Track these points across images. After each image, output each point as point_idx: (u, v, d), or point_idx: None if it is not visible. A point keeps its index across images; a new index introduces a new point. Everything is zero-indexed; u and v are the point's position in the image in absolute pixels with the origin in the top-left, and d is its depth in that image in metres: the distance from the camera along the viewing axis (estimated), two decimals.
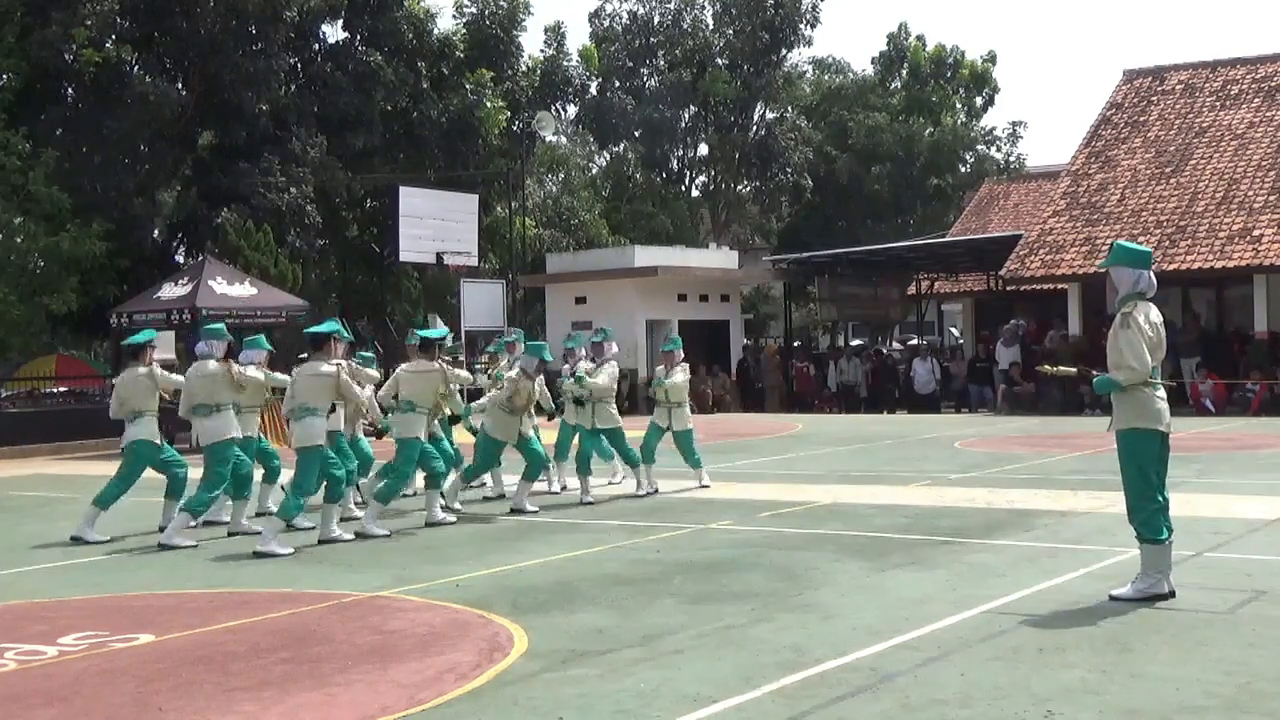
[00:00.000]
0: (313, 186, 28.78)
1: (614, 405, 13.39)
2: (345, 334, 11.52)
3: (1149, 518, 7.27)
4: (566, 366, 14.22)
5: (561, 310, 30.92)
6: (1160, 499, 7.32)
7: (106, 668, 6.58)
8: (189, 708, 5.76)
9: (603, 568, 8.98)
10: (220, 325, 12.02)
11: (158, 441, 11.62)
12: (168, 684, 6.19)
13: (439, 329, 14.20)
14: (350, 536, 10.76)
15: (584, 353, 13.85)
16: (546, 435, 13.60)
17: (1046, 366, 9.47)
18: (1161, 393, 7.41)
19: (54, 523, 12.54)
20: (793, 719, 5.32)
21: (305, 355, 11.20)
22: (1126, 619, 6.85)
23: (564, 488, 13.91)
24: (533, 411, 12.74)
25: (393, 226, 28.32)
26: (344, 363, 11.04)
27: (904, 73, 48.60)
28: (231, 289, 22.67)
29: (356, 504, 12.00)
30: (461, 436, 13.86)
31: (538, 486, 13.03)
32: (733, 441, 20.14)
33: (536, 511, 12.12)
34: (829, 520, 10.99)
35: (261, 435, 12.43)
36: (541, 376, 12.72)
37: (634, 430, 13.92)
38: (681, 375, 13.70)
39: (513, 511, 12.15)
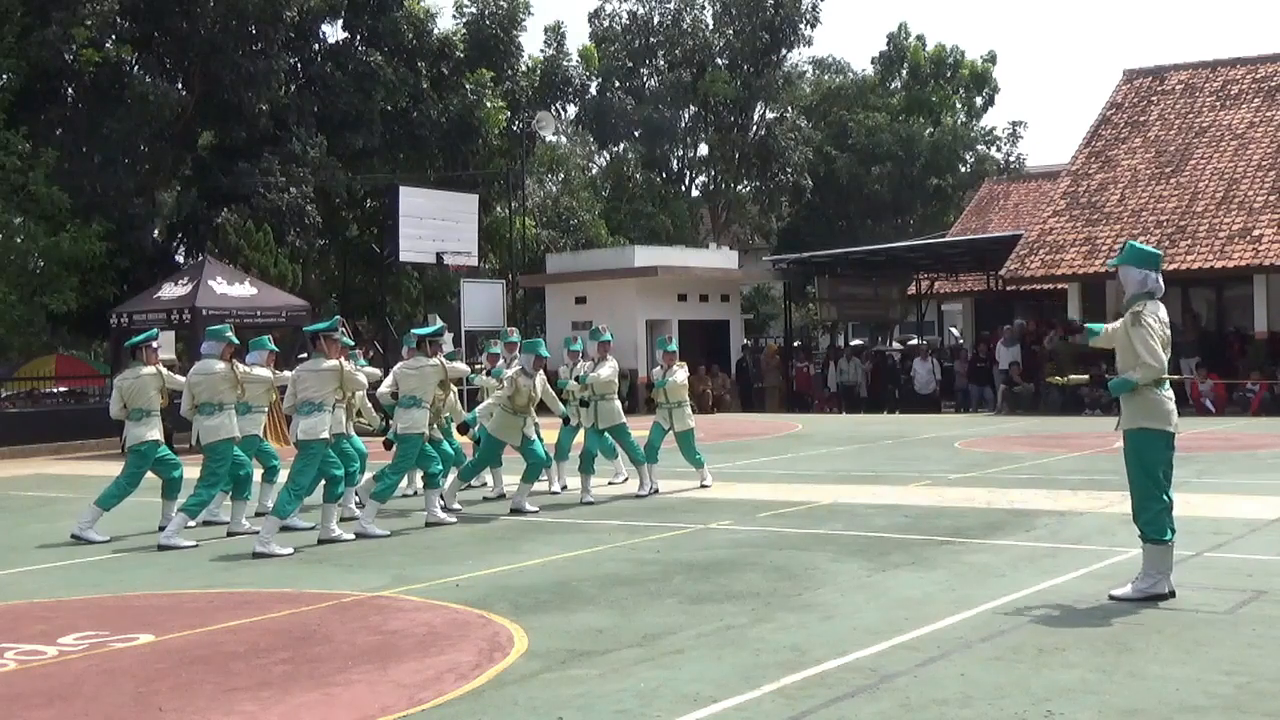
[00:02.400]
0: (313, 186, 28.76)
1: (617, 401, 13.40)
2: (343, 335, 11.45)
3: (1154, 518, 7.27)
4: (564, 368, 14.21)
5: (561, 310, 30.93)
6: (1166, 499, 7.32)
7: (106, 668, 6.58)
8: (189, 708, 5.76)
9: (603, 568, 8.98)
10: (223, 327, 12.02)
11: (162, 441, 11.66)
12: (168, 684, 6.19)
13: (435, 325, 14.11)
14: (350, 536, 10.75)
15: (588, 352, 13.85)
16: (547, 435, 13.58)
17: (1057, 378, 9.44)
18: (1170, 393, 7.41)
19: (54, 523, 12.54)
20: (793, 719, 5.32)
21: (306, 355, 11.23)
22: (1126, 619, 6.85)
23: (564, 487, 13.90)
24: (533, 411, 12.73)
25: (393, 226, 28.30)
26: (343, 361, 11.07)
27: (904, 73, 48.60)
28: (231, 289, 22.67)
29: (356, 504, 12.00)
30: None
31: (538, 486, 13.02)
32: (733, 441, 20.13)
33: (537, 511, 12.12)
34: (829, 520, 10.99)
35: (262, 435, 12.44)
36: (543, 374, 12.70)
37: (638, 430, 13.89)
38: (682, 374, 13.74)
39: (513, 511, 12.14)
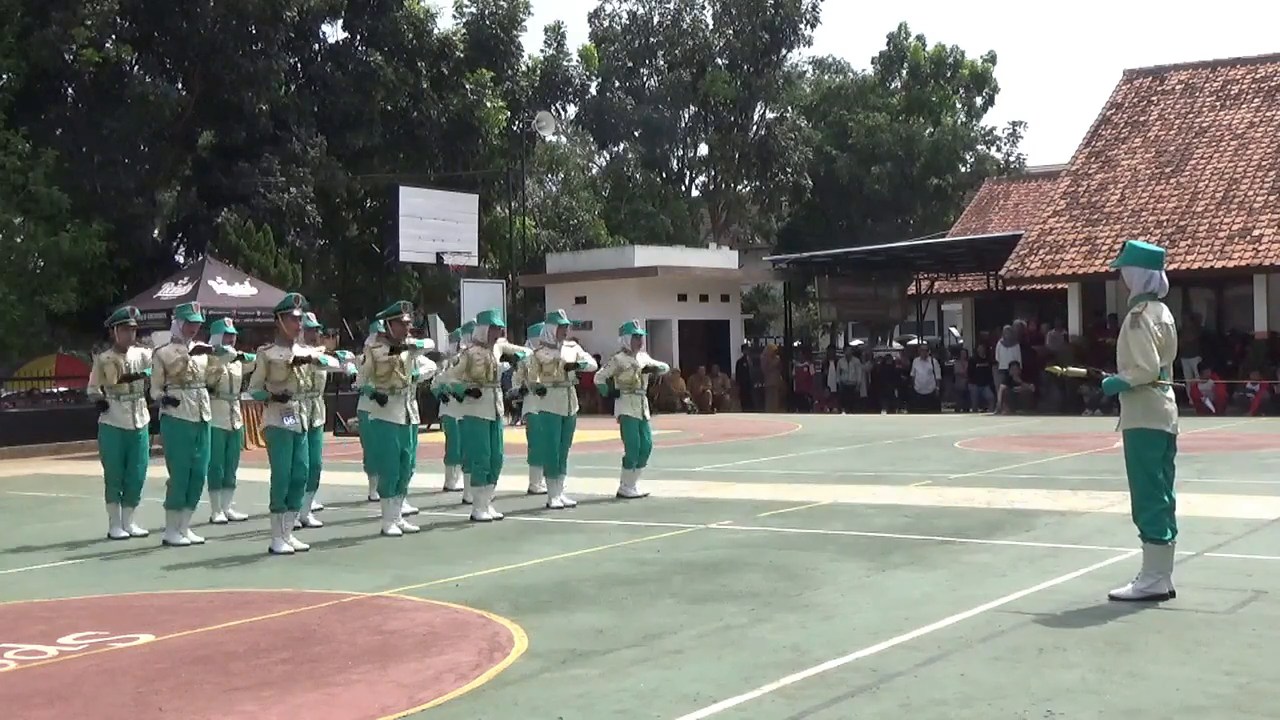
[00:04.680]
0: (313, 186, 28.79)
1: (558, 393, 12.74)
2: (306, 316, 10.91)
3: (1154, 517, 7.27)
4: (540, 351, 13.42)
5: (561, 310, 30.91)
6: (1167, 499, 7.32)
7: (106, 668, 6.58)
8: (189, 708, 5.75)
9: (603, 568, 8.97)
10: (185, 306, 11.66)
11: (121, 426, 11.30)
12: (168, 684, 6.19)
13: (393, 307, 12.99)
14: (305, 546, 10.35)
15: (546, 337, 13.06)
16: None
17: (1056, 368, 9.43)
18: (1170, 393, 7.41)
19: (54, 523, 12.54)
20: (793, 719, 5.32)
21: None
22: (1126, 619, 6.84)
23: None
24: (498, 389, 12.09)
25: (393, 226, 28.31)
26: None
27: (904, 73, 48.62)
28: (231, 289, 22.68)
29: (315, 510, 11.73)
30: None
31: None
32: (733, 441, 20.13)
33: (501, 518, 11.64)
34: (829, 520, 10.99)
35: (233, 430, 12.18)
36: (500, 344, 12.04)
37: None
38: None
39: (471, 520, 11.59)
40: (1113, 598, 7.28)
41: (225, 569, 9.67)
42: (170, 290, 22.80)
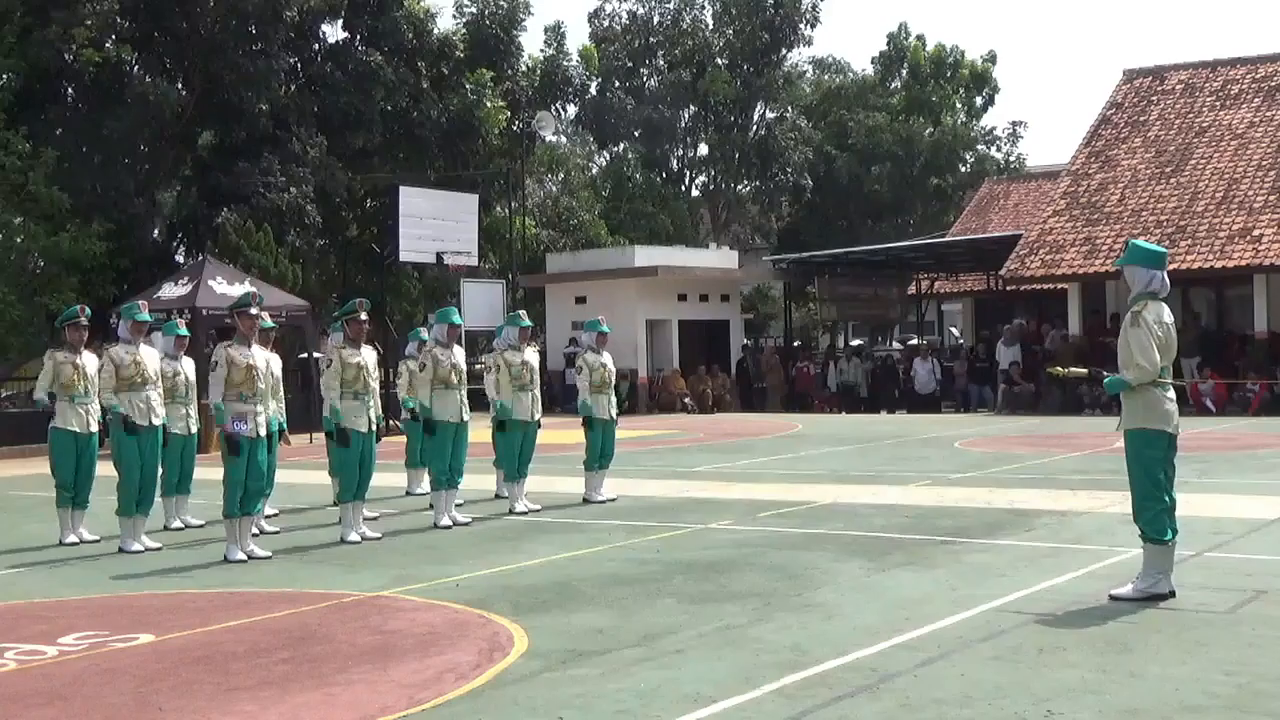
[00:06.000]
0: (313, 186, 28.76)
1: (521, 397, 12.27)
2: (261, 317, 10.48)
3: (1154, 517, 7.27)
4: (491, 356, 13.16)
5: (561, 310, 30.93)
6: (1167, 499, 7.33)
7: (106, 668, 6.58)
8: (189, 708, 5.75)
9: (603, 568, 8.98)
10: (132, 305, 11.35)
11: (75, 429, 11.01)
12: (168, 684, 6.19)
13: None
14: (268, 554, 10.11)
15: (508, 339, 12.67)
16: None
17: (1058, 369, 9.41)
18: (1171, 393, 7.42)
19: (53, 523, 12.48)
20: (792, 719, 5.32)
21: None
22: (1126, 619, 6.85)
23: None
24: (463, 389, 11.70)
25: (393, 226, 28.27)
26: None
27: (904, 73, 48.64)
28: (231, 289, 22.63)
29: (267, 517, 11.37)
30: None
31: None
32: (733, 441, 20.13)
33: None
34: (829, 520, 10.99)
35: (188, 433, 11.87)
36: (458, 347, 11.74)
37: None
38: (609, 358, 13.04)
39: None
40: (1113, 598, 7.28)
41: (224, 569, 9.66)
42: (170, 290, 22.79)
